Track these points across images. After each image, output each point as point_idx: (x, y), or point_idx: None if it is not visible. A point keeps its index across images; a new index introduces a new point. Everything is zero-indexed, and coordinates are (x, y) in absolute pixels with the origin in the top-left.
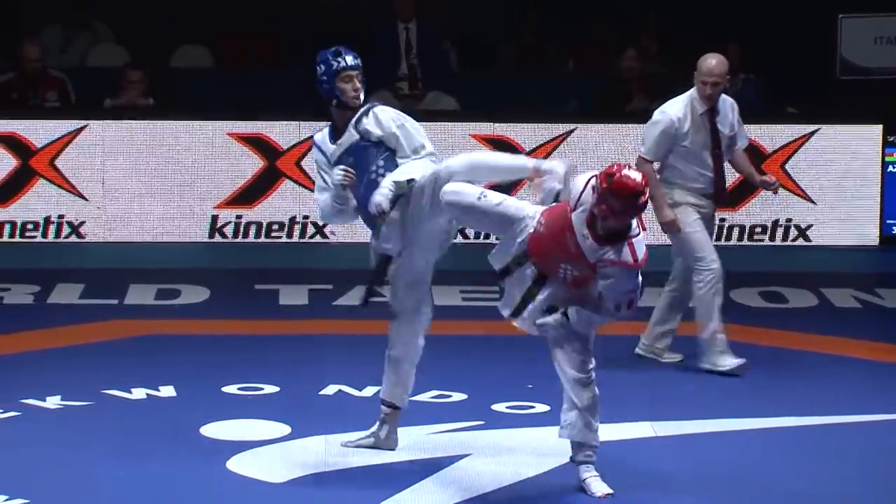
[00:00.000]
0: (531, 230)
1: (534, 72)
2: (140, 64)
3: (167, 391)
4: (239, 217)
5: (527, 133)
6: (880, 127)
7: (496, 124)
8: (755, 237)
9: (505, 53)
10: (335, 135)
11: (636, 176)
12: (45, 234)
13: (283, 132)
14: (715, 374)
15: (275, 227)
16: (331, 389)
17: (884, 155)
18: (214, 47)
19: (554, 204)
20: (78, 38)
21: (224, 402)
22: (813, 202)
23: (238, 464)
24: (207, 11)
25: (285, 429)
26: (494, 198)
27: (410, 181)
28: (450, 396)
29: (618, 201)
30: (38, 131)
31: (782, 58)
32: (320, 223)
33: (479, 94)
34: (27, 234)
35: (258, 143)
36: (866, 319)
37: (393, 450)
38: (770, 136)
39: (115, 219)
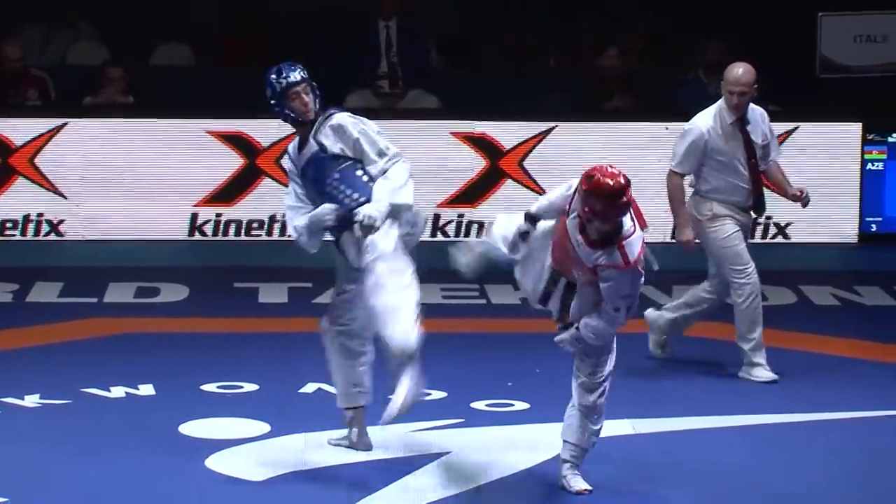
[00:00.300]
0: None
1: (515, 70)
2: (120, 62)
3: (146, 389)
4: (219, 215)
5: (508, 131)
6: (859, 125)
7: (477, 122)
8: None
9: (486, 51)
10: (301, 147)
11: (617, 176)
12: (24, 233)
13: (262, 130)
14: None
15: (254, 225)
16: (310, 388)
17: (863, 153)
18: (194, 45)
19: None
20: (58, 36)
21: (203, 400)
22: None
23: (217, 462)
24: (188, 9)
25: (264, 427)
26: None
27: (409, 207)
28: (429, 394)
29: (598, 202)
30: (17, 129)
31: (763, 56)
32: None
33: (460, 92)
34: (6, 232)
35: (238, 142)
36: (845, 317)
37: (369, 450)
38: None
39: (94, 217)
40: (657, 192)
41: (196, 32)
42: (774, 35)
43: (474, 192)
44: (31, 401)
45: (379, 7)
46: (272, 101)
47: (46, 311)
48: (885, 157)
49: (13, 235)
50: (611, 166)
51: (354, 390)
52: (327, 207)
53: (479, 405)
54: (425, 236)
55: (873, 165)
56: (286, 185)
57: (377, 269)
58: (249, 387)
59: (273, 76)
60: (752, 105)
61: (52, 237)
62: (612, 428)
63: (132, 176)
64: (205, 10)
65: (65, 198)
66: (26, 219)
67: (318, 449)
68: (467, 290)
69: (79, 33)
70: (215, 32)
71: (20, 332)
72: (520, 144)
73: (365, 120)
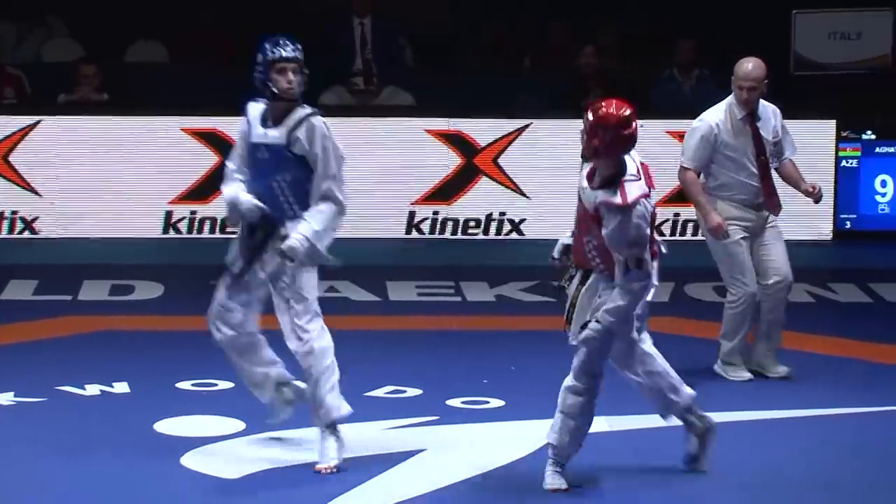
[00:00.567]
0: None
1: (491, 67)
2: (94, 59)
3: (121, 387)
4: (193, 213)
5: (482, 128)
6: (833, 122)
7: (452, 120)
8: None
9: (461, 49)
10: (267, 121)
11: (622, 107)
12: None
13: (237, 127)
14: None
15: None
16: None
17: (837, 150)
18: (169, 42)
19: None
20: (32, 34)
21: (178, 398)
22: None
23: (192, 460)
24: (162, 6)
25: (239, 425)
26: None
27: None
28: (404, 392)
29: (605, 133)
30: None
31: (737, 53)
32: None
33: (436, 89)
34: None
35: (212, 139)
36: (820, 314)
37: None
38: None
39: (68, 215)
40: None
41: (170, 29)
42: (749, 32)
43: (449, 190)
44: (6, 399)
45: (353, 5)
46: (258, 67)
47: (21, 308)
48: (859, 154)
49: None
50: (617, 99)
51: (264, 376)
52: (252, 206)
53: (455, 402)
54: (401, 233)
55: (847, 163)
56: None
57: (312, 330)
58: (224, 384)
59: (268, 44)
60: (763, 102)
61: (27, 235)
62: (596, 424)
63: (107, 173)
64: (179, 7)
65: (39, 195)
66: (0, 216)
67: (293, 446)
68: (442, 287)
69: (53, 31)
70: (189, 29)
71: None
72: (495, 142)
73: (334, 139)
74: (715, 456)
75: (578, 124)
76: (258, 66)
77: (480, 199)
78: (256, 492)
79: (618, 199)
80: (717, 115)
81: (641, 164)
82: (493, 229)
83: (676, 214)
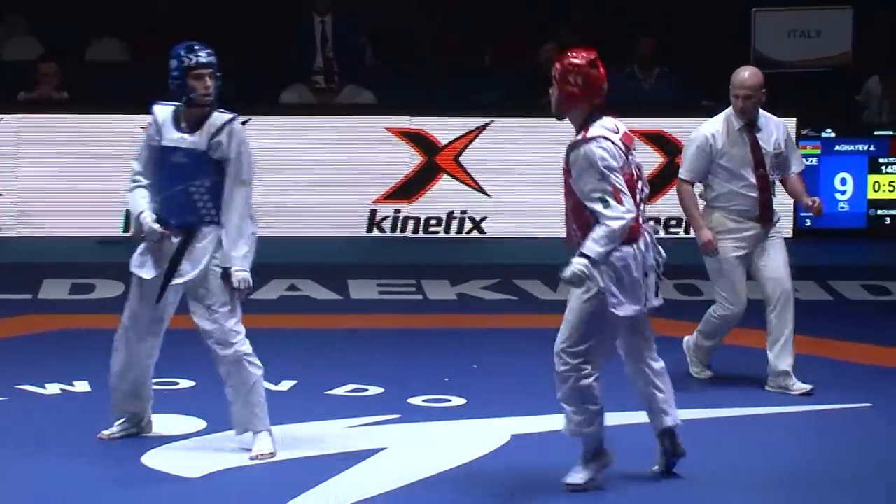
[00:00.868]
0: None
1: (451, 65)
2: (54, 57)
3: (82, 386)
4: None
5: (444, 126)
6: (793, 120)
7: (413, 118)
8: (670, 230)
9: (421, 47)
10: (180, 124)
11: (588, 50)
12: None
13: None
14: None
15: None
16: None
17: (797, 148)
18: (129, 41)
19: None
20: None
21: None
22: None
23: (153, 459)
24: (122, 5)
25: (201, 423)
26: None
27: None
28: (366, 390)
29: (577, 75)
30: None
31: (697, 51)
32: None
33: (397, 87)
34: None
35: None
36: None
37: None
38: (685, 128)
39: (28, 213)
40: None
41: (130, 27)
42: (708, 30)
43: (410, 188)
44: None
45: (313, 2)
46: (174, 74)
47: None
48: (819, 152)
49: None
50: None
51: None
52: (153, 230)
53: (416, 401)
54: (362, 231)
55: (807, 161)
56: None
57: (240, 332)
58: (185, 383)
59: (182, 51)
60: (766, 114)
61: None
62: (548, 423)
63: (67, 172)
64: (138, 5)
65: None
66: None
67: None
68: (403, 285)
69: (12, 29)
70: (149, 28)
71: None
72: (456, 140)
73: (248, 143)
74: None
75: (540, 122)
76: (174, 72)
77: (442, 198)
78: (218, 490)
79: (580, 136)
80: (714, 126)
81: (624, 135)
82: (454, 227)
83: None
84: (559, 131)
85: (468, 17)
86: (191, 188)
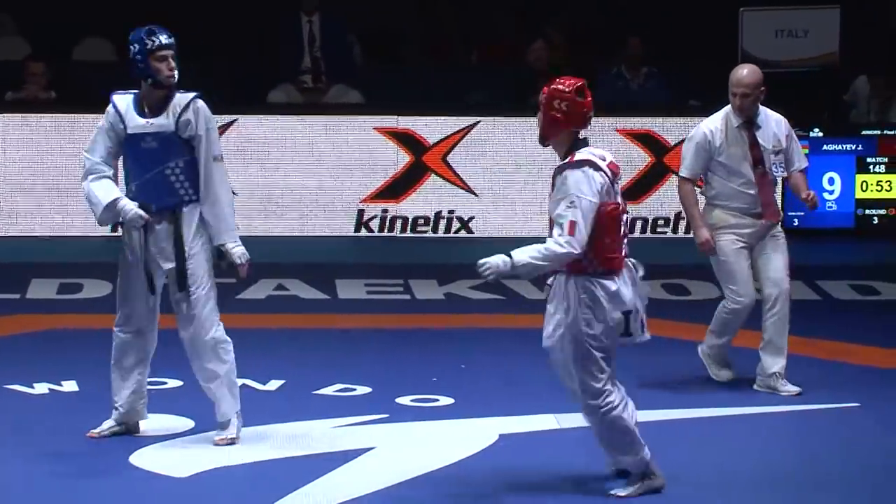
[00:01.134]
0: None
1: (439, 65)
2: (42, 57)
3: (70, 386)
4: None
5: (431, 126)
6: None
7: (400, 117)
8: (658, 230)
9: (409, 46)
10: (143, 111)
11: (575, 79)
12: None
13: None
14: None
15: None
16: None
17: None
18: (116, 40)
19: None
20: None
21: None
22: None
23: (141, 458)
24: (109, 4)
25: (189, 423)
26: None
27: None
28: (354, 390)
29: (562, 101)
30: None
31: (685, 50)
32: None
33: (384, 86)
34: None
35: None
36: None
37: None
38: (673, 128)
39: (16, 213)
40: None
41: (118, 27)
42: (696, 30)
43: (398, 188)
44: None
45: (300, 2)
46: (137, 57)
47: None
48: (807, 151)
49: None
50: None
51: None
52: (137, 216)
53: (404, 400)
54: (349, 231)
55: None
56: None
57: (216, 316)
58: (173, 383)
59: (143, 34)
60: (767, 111)
61: None
62: (536, 423)
63: (54, 172)
64: (126, 5)
65: None
66: None
67: (243, 445)
68: (391, 285)
69: (0, 29)
70: (137, 26)
71: None
72: (444, 139)
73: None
74: (659, 453)
75: (527, 122)
76: (136, 55)
77: (429, 197)
78: (206, 490)
79: (568, 160)
80: (713, 123)
81: (611, 163)
82: (442, 227)
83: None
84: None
85: (456, 16)
86: (166, 171)
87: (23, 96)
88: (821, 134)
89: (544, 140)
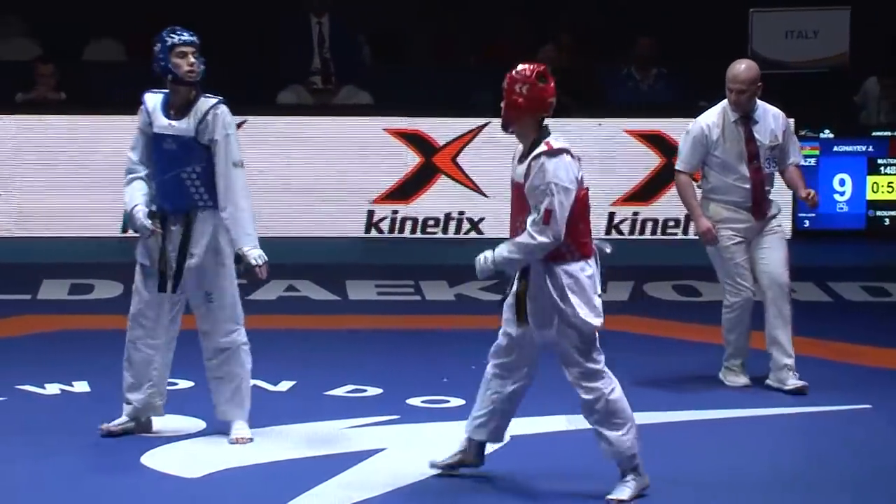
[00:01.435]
0: None
1: (448, 66)
2: (52, 58)
3: (81, 386)
4: None
5: (441, 127)
6: (791, 121)
7: (410, 119)
8: (668, 231)
9: (418, 47)
10: (170, 111)
11: (536, 64)
12: None
13: None
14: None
15: None
16: None
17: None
18: (126, 41)
19: None
20: None
21: None
22: None
23: (153, 459)
24: (119, 5)
25: (200, 424)
26: None
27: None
28: (365, 391)
29: (523, 85)
30: None
31: (695, 51)
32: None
33: (394, 88)
34: None
35: None
36: None
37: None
38: (683, 129)
39: (27, 214)
40: (590, 188)
41: (128, 28)
42: (706, 31)
43: (408, 189)
44: None
45: (310, 3)
46: (160, 56)
47: None
48: (817, 153)
49: None
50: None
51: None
52: (144, 226)
53: (415, 401)
54: (360, 232)
55: (806, 161)
56: None
57: (241, 320)
58: (185, 383)
59: (165, 32)
60: (766, 106)
61: None
62: (547, 424)
63: (65, 172)
64: (136, 5)
65: None
66: None
67: (254, 446)
68: (402, 286)
69: (10, 29)
70: (146, 28)
71: None
72: (454, 140)
73: (234, 126)
74: (668, 455)
75: None
76: (158, 54)
77: (439, 198)
78: (217, 491)
79: (543, 147)
80: (710, 117)
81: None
82: (452, 228)
83: (635, 213)
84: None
85: (466, 17)
86: (182, 174)
87: (33, 97)
88: (831, 135)
89: (507, 126)
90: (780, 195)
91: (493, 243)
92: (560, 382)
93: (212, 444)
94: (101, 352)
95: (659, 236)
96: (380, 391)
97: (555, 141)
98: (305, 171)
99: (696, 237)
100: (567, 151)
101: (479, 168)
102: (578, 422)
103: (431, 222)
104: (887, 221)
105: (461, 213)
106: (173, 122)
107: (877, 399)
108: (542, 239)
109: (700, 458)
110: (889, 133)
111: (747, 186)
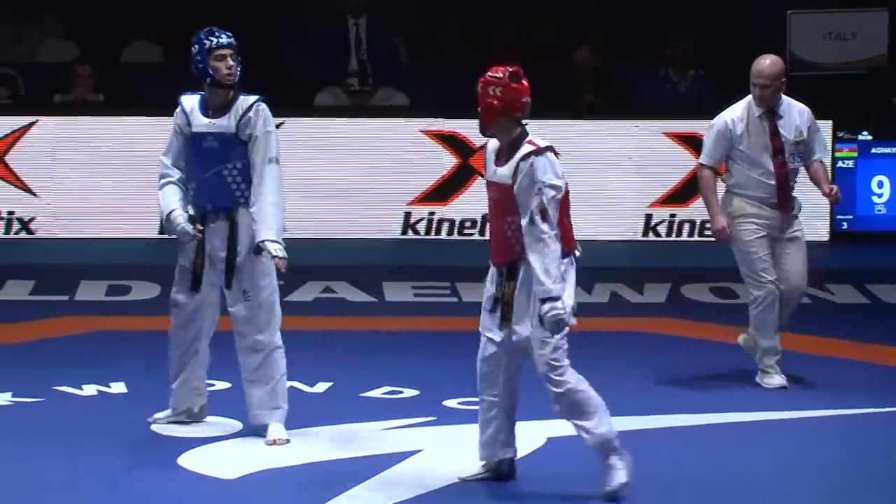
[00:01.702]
0: None
1: (485, 67)
2: (90, 59)
3: (118, 387)
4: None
5: (477, 129)
6: (829, 123)
7: (447, 120)
8: (706, 233)
9: (455, 48)
10: (208, 111)
11: (509, 66)
12: None
13: None
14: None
15: None
16: None
17: (834, 151)
18: (164, 42)
19: None
20: (27, 33)
21: None
22: None
23: (189, 460)
24: (157, 6)
25: (237, 425)
26: None
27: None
28: (401, 392)
29: (496, 87)
30: None
31: (733, 53)
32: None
33: (431, 89)
34: None
35: None
36: (817, 315)
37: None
38: None
39: (65, 215)
40: (627, 190)
41: (165, 29)
42: (744, 33)
43: (445, 190)
44: (4, 399)
45: (348, 5)
46: (197, 58)
47: (18, 309)
48: (855, 155)
49: None
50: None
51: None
52: (185, 231)
53: (451, 403)
54: (396, 234)
55: (844, 163)
56: None
57: (278, 342)
58: (221, 385)
59: (203, 34)
60: (791, 101)
61: (23, 235)
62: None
63: (102, 173)
64: (174, 7)
65: (35, 196)
66: None
67: (290, 447)
68: (438, 288)
69: (48, 31)
70: (184, 29)
71: None
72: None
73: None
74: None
75: (573, 124)
76: (196, 56)
77: (476, 200)
78: (254, 492)
79: (530, 147)
80: (735, 112)
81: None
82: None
83: (672, 215)
84: (593, 133)
85: (501, 18)
86: (223, 171)
87: (71, 99)
88: (870, 137)
89: (485, 130)
90: (818, 197)
91: None
92: (596, 384)
93: (248, 445)
94: (138, 353)
95: (696, 238)
96: (416, 393)
97: (540, 140)
98: (342, 173)
99: (713, 238)
100: (551, 149)
101: None
102: (615, 424)
103: (468, 224)
104: None
105: None
106: (213, 120)
107: None
108: (554, 243)
109: (736, 460)
110: None
111: (772, 182)
